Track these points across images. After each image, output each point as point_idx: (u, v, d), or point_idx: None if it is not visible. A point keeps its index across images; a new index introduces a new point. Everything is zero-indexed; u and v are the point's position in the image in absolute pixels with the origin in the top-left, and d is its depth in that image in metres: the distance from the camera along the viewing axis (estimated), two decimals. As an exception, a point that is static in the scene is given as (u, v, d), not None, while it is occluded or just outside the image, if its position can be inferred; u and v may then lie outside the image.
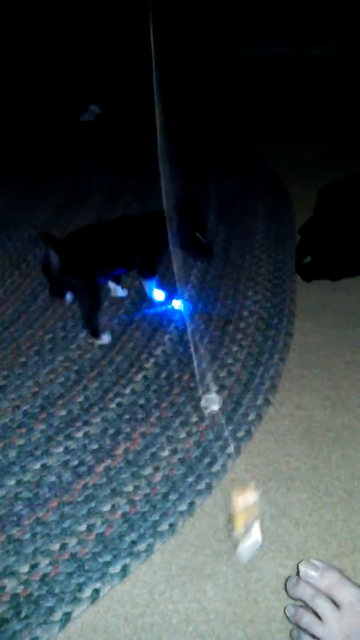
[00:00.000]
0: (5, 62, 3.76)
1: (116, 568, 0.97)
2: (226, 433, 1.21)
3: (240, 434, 1.22)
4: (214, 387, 1.32)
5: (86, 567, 0.97)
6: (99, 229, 1.57)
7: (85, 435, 1.22)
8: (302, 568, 0.81)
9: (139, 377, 1.38)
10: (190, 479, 1.12)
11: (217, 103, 3.54)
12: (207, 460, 1.16)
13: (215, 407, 1.27)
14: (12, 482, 1.12)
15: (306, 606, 0.80)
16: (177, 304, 1.61)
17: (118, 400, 1.31)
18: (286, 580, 0.85)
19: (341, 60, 4.06)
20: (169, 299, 1.62)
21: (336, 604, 0.77)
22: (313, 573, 0.80)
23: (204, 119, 3.28)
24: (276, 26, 4.26)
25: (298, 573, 0.82)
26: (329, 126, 3.09)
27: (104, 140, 2.98)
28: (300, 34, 4.26)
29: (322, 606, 0.77)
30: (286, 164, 2.60)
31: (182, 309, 1.60)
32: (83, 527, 1.03)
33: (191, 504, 1.07)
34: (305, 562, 0.81)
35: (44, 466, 1.15)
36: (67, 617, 0.90)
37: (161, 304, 1.62)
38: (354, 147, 2.73)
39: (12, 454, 1.18)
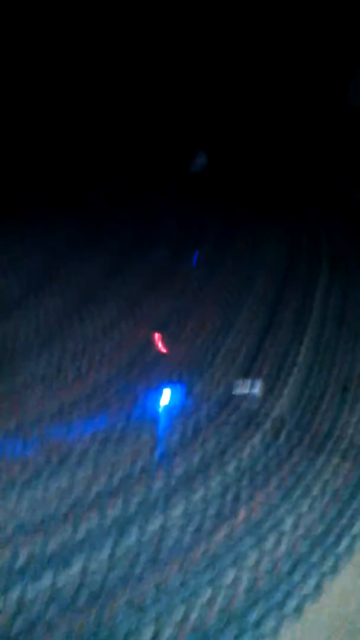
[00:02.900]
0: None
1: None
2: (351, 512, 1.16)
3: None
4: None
5: (210, 645, 0.94)
6: None
7: (203, 498, 1.20)
8: None
9: (257, 437, 1.35)
10: (314, 558, 1.07)
11: (323, 154, 3.53)
12: (331, 539, 1.10)
13: None
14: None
15: None
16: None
17: (236, 461, 1.29)
18: None
19: None
20: None
21: None
22: None
23: (310, 169, 3.27)
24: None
25: None
26: None
27: (212, 189, 3.02)
28: None
29: None
30: None
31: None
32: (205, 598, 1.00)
33: (317, 586, 1.02)
34: None
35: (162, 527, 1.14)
36: None
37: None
38: None
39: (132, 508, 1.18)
